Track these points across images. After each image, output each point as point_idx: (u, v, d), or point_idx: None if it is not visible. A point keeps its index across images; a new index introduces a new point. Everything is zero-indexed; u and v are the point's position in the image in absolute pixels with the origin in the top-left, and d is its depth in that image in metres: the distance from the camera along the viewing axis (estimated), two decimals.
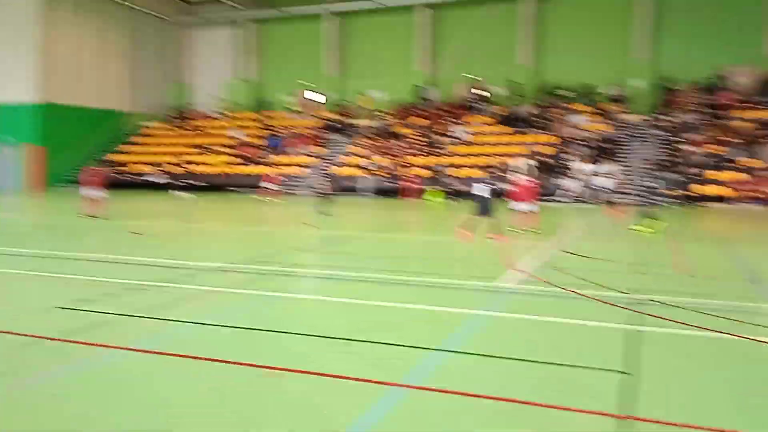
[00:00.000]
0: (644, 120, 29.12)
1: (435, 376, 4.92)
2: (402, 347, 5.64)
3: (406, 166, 29.20)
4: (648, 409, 4.26)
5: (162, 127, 38.28)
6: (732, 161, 25.08)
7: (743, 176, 24.26)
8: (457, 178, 27.89)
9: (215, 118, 38.23)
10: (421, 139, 31.27)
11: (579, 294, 7.79)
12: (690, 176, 24.71)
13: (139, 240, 13.19)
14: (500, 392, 4.52)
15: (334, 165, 30.63)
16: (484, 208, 12.82)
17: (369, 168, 28.29)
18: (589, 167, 26.18)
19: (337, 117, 34.89)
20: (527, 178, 15.54)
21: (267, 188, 26.47)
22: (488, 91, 33.44)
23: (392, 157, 29.86)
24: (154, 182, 29.89)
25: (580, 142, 28.03)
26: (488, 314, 6.87)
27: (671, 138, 27.39)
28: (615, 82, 30.93)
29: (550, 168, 26.74)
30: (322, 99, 37.45)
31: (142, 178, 31.10)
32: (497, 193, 13.24)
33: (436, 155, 29.82)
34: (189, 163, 32.74)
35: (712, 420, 4.10)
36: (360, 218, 18.52)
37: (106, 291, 7.72)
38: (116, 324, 6.33)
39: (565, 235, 14.49)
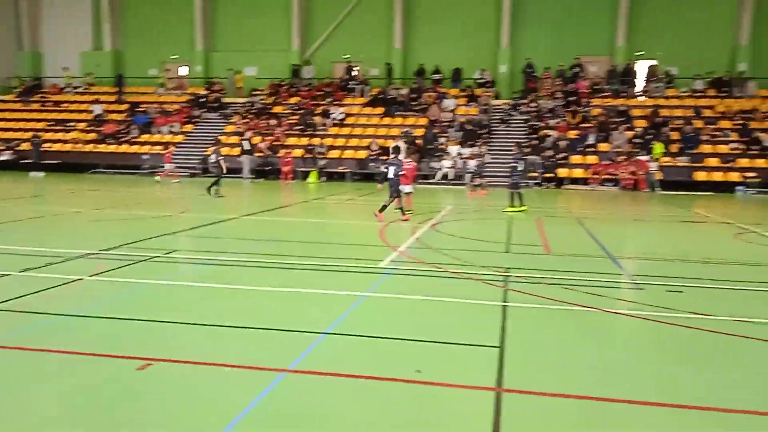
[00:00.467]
0: (508, 105, 30.75)
1: (315, 359, 4.91)
2: (284, 332, 5.59)
3: (282, 146, 28.78)
4: (516, 380, 4.53)
5: (9, 100, 34.93)
6: (592, 146, 27.15)
7: (598, 160, 26.37)
8: (333, 159, 28.02)
9: (71, 92, 35.42)
10: (296, 118, 30.92)
11: (454, 273, 8.12)
12: (552, 159, 26.47)
13: None
14: (381, 372, 4.62)
15: (212, 146, 29.52)
16: (395, 189, 13.56)
17: (245, 148, 27.54)
18: (458, 149, 27.24)
19: (208, 94, 33.55)
20: (407, 160, 16.05)
21: (166, 169, 25.21)
22: (365, 73, 33.65)
23: (268, 137, 29.28)
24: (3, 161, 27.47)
25: (451, 125, 29.06)
26: (370, 296, 6.97)
27: (533, 123, 29.14)
28: (483, 67, 32.30)
29: (425, 150, 27.50)
30: (191, 74, 35.81)
31: None
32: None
33: (310, 136, 29.65)
34: (40, 140, 30.12)
35: (576, 388, 4.45)
36: (238, 201, 18.04)
37: None
38: None
39: (440, 216, 14.99)
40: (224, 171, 19.03)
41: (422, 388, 4.39)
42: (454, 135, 28.43)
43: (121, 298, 6.82)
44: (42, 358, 4.87)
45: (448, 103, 30.54)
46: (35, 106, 34.57)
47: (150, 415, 3.93)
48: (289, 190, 22.77)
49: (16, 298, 6.55)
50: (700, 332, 5.81)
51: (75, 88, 35.57)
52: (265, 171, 27.69)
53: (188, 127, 31.61)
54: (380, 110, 31.11)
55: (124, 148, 30.28)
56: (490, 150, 27.52)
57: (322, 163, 27.73)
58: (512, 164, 16.46)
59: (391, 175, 13.65)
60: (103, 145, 30.42)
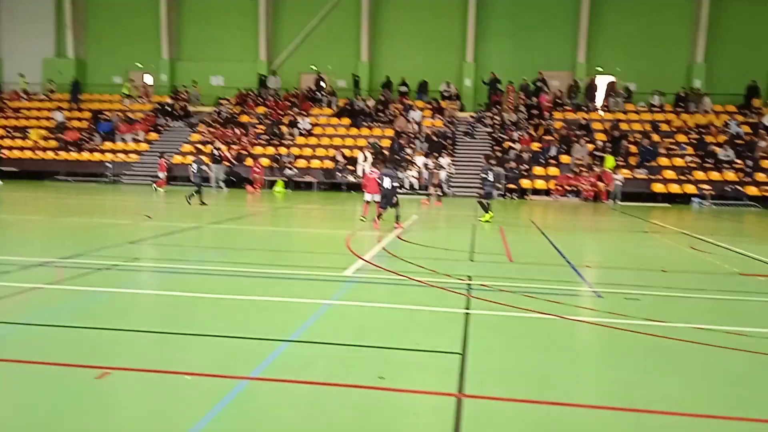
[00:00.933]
0: (472, 117, 31.18)
1: (278, 367, 4.91)
2: (247, 339, 5.58)
3: (249, 156, 28.61)
4: (477, 386, 4.61)
5: None
6: (555, 158, 27.67)
7: (560, 172, 26.91)
8: (300, 168, 27.98)
9: (31, 99, 34.67)
10: (262, 128, 30.80)
11: (418, 281, 8.20)
12: (515, 171, 26.89)
13: None
14: (344, 379, 4.65)
15: (176, 154, 29.16)
16: (389, 199, 13.76)
17: (213, 156, 27.32)
18: (424, 160, 27.47)
19: (174, 102, 33.18)
20: (373, 169, 16.31)
21: (159, 178, 25.10)
22: (332, 84, 33.71)
23: (234, 147, 29.07)
24: None
25: (416, 136, 29.30)
26: (334, 303, 6.99)
27: (496, 135, 29.58)
28: (448, 80, 32.69)
29: (392, 160, 27.61)
30: (156, 82, 35.38)
31: None
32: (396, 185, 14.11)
33: (277, 145, 29.56)
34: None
35: (535, 394, 4.55)
36: (204, 209, 17.86)
37: None
38: None
39: (407, 224, 15.11)
40: (208, 180, 19.20)
41: (385, 394, 4.43)
42: (420, 146, 28.68)
43: (80, 306, 6.70)
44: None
45: (414, 114, 30.81)
46: None
47: (109, 424, 3.88)
48: (256, 199, 22.63)
49: None
50: (656, 338, 5.99)
51: (30, 95, 34.79)
52: (232, 180, 27.49)
53: (153, 136, 31.22)
54: (347, 121, 31.21)
55: (86, 155, 29.74)
56: (454, 162, 27.82)
57: (290, 172, 27.66)
58: (482, 175, 16.75)
59: (386, 185, 13.79)
60: (64, 153, 29.82)
